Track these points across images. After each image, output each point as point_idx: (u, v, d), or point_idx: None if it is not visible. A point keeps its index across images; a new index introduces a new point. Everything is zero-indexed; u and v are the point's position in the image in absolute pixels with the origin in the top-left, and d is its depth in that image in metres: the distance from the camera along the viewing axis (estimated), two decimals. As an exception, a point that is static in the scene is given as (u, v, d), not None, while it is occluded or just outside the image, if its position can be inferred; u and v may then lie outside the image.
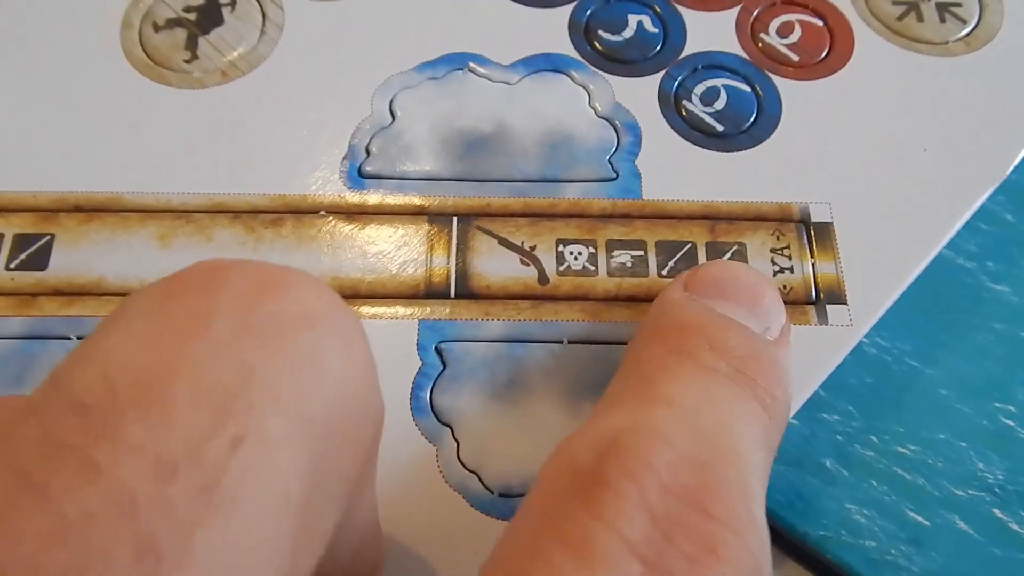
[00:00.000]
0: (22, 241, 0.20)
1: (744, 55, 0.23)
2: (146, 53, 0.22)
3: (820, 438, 0.21)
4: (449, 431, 0.18)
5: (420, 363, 0.19)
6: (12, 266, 0.19)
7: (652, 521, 0.12)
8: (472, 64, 0.22)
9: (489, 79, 0.22)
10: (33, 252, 0.20)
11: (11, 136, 0.21)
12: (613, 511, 0.12)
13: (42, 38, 0.22)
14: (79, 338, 0.19)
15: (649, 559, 0.11)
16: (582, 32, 0.23)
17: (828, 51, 0.23)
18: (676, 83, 0.22)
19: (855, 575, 0.20)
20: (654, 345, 0.15)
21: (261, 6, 0.23)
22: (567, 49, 0.23)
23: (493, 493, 0.17)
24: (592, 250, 0.20)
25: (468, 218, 0.20)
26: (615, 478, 0.12)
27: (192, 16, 0.23)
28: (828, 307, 0.19)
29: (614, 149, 0.21)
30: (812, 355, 0.18)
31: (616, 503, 0.12)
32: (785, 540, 0.21)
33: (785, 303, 0.18)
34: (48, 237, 0.20)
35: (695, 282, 0.16)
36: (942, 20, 0.23)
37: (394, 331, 0.19)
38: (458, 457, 0.18)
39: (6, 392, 0.18)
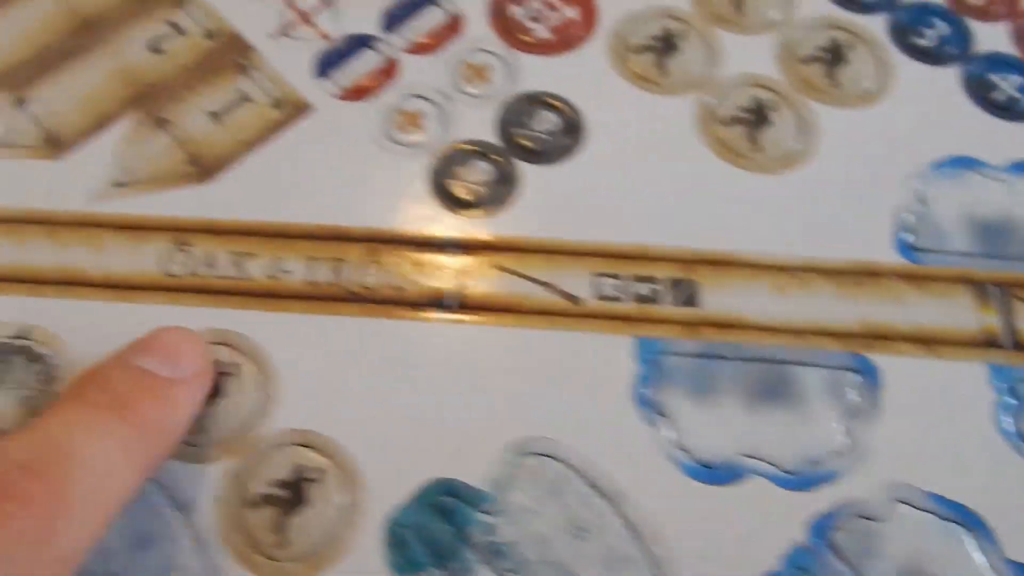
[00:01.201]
0: (676, 284, 0.28)
1: None
2: (719, 143, 0.31)
3: None
4: (1035, 447, 0.26)
5: (996, 396, 0.27)
6: (676, 302, 0.28)
7: None
8: (974, 167, 0.31)
9: (989, 178, 0.31)
10: (686, 293, 0.28)
11: (654, 201, 0.30)
12: None
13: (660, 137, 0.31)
14: (742, 359, 0.27)
15: None
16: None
17: None
18: None
19: None
20: (63, 393, 0.22)
21: (802, 115, 0.32)
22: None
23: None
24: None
25: (1004, 287, 0.29)
26: None
27: (748, 116, 0.32)
28: None
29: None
30: None
31: None
32: None
33: None
34: (693, 282, 0.28)
35: (129, 345, 0.23)
36: None
37: (961, 371, 0.27)
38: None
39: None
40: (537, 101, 0.31)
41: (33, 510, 0.18)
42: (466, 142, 0.30)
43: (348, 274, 0.28)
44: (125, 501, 0.20)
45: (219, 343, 0.27)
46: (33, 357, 0.27)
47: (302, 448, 0.25)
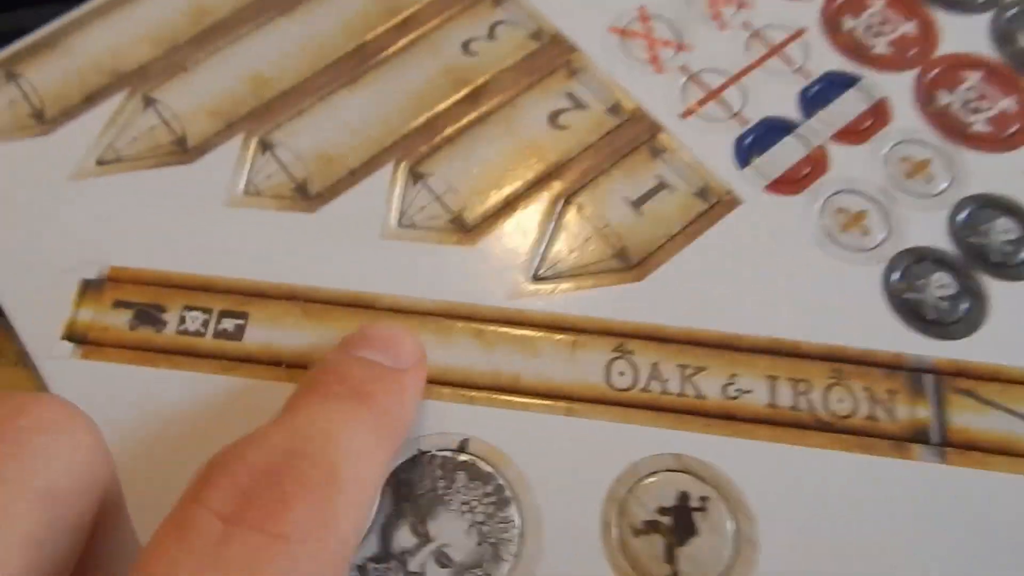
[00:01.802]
0: None
1: None
2: None
3: None
4: None
5: None
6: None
7: (238, 493, 0.17)
8: None
9: None
10: None
11: None
12: (206, 494, 0.18)
13: None
14: None
15: (229, 516, 0.17)
16: None
17: None
18: None
19: None
20: (301, 386, 0.22)
21: None
22: None
23: None
24: None
25: None
26: (212, 473, 0.18)
27: None
28: None
29: None
30: None
31: (208, 488, 0.18)
32: None
33: None
34: None
35: (348, 339, 0.24)
36: None
37: None
38: None
39: None
40: (992, 205, 0.29)
41: (313, 491, 0.18)
42: (919, 248, 0.28)
43: (814, 398, 0.25)
44: (380, 485, 0.22)
45: (681, 471, 0.25)
46: (477, 475, 0.25)
47: (798, 605, 0.23)
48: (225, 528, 0.17)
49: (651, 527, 0.25)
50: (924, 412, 0.26)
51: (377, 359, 0.24)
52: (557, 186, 0.30)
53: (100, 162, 0.30)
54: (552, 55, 0.32)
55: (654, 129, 0.31)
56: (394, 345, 0.24)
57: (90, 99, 0.32)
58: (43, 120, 0.31)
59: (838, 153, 0.30)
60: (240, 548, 0.17)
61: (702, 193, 0.29)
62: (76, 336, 0.27)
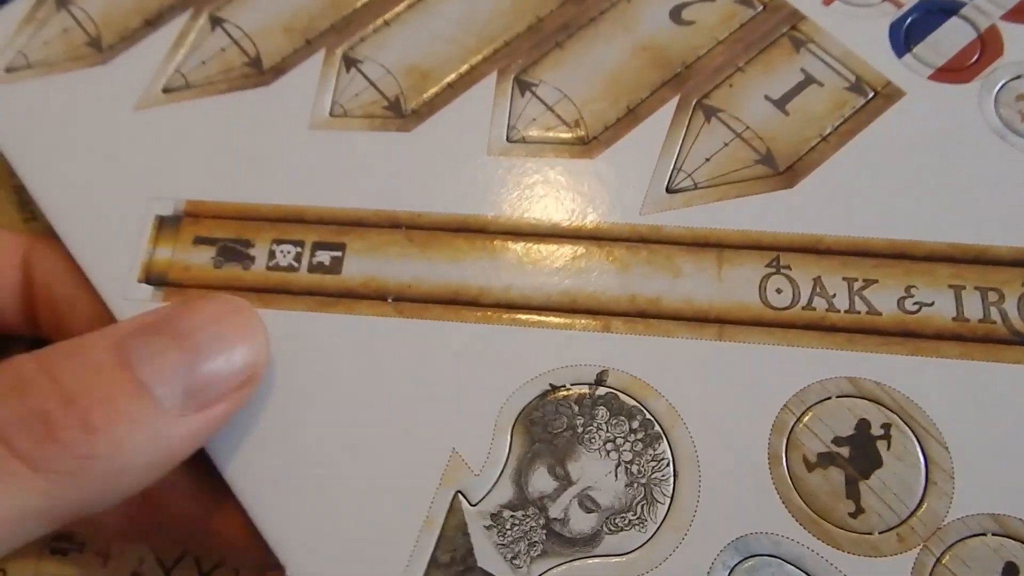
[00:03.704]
0: None
1: None
2: None
3: None
4: None
5: None
6: None
7: None
8: None
9: None
10: None
11: None
12: None
13: None
14: None
15: None
16: None
17: None
18: None
19: None
20: None
21: None
22: None
23: None
24: None
25: None
26: None
27: None
28: None
29: None
30: None
31: None
32: None
33: None
34: None
35: None
36: None
37: None
38: None
39: None
40: None
41: None
42: (1121, 136, 0.27)
43: (1007, 308, 0.25)
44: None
45: (857, 396, 0.24)
46: (619, 410, 0.25)
47: (1007, 540, 0.22)
48: None
49: (828, 460, 0.24)
50: None
51: None
52: (686, 88, 0.29)
53: (167, 89, 0.30)
54: (668, -56, 0.32)
55: (794, 18, 0.30)
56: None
57: (150, 22, 0.32)
58: (100, 48, 0.31)
59: (1013, 33, 0.30)
60: None
61: (856, 86, 0.29)
62: (155, 278, 0.28)
